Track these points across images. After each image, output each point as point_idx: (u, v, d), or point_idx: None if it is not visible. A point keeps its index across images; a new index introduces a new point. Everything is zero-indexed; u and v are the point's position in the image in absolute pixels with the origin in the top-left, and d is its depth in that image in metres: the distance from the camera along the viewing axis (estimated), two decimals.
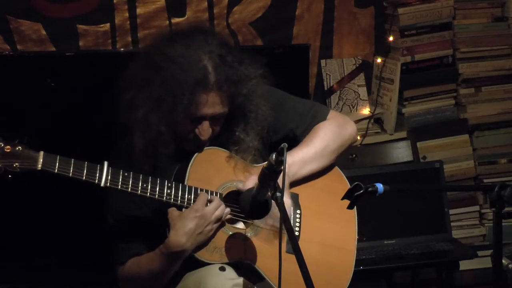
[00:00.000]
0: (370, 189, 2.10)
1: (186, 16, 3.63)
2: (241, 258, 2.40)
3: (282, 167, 2.09)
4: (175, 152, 2.40)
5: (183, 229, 2.27)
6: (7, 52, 3.39)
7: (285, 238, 2.39)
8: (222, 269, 2.31)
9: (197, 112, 2.33)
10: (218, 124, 2.42)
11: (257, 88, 2.42)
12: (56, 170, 2.17)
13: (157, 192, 2.31)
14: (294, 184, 2.52)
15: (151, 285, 2.41)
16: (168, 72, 2.30)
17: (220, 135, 2.46)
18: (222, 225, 2.38)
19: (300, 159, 2.51)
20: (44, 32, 3.46)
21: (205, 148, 2.43)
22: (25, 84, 3.18)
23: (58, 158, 2.18)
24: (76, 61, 3.33)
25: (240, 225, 2.46)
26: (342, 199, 2.13)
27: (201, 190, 2.36)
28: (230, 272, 2.32)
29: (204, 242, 2.32)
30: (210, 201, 2.34)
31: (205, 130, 2.38)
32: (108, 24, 3.54)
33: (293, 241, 2.10)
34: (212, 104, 2.34)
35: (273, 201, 2.19)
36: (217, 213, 2.33)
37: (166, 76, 2.30)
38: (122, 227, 2.43)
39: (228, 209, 2.37)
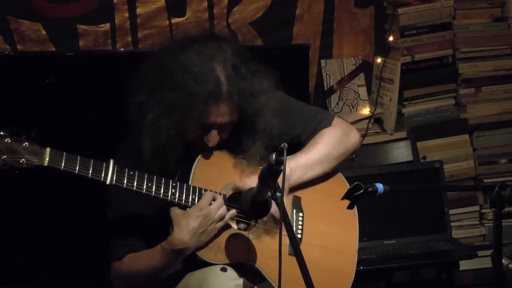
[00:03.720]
0: (370, 189, 2.10)
1: (186, 16, 3.63)
2: (244, 258, 2.40)
3: (282, 167, 2.09)
4: (184, 153, 2.41)
5: (187, 227, 2.27)
6: (7, 52, 3.39)
7: (288, 240, 2.40)
8: (223, 269, 2.32)
9: (207, 121, 2.35)
10: (226, 132, 2.43)
11: (269, 103, 2.42)
12: (62, 167, 2.17)
13: (162, 191, 2.31)
14: (296, 188, 2.53)
15: (147, 282, 2.40)
16: (180, 80, 2.30)
17: (227, 143, 2.47)
18: (227, 226, 2.38)
19: (303, 164, 2.52)
20: (44, 32, 3.46)
21: (209, 149, 2.44)
22: (25, 84, 3.18)
23: (64, 154, 2.18)
24: (76, 61, 3.33)
25: (244, 226, 2.46)
26: (342, 199, 2.13)
27: (205, 190, 2.37)
28: (231, 272, 2.33)
29: (207, 241, 2.33)
30: (213, 199, 2.35)
31: (213, 137, 2.39)
32: (108, 24, 3.54)
33: (294, 243, 2.10)
34: (222, 114, 2.35)
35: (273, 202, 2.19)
36: (220, 212, 2.33)
37: (178, 84, 2.30)
38: (121, 223, 2.43)
39: (233, 211, 2.38)
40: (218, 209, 2.33)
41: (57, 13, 3.47)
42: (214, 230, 2.33)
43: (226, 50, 2.37)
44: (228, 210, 2.38)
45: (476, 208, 3.91)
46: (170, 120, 2.31)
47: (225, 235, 2.38)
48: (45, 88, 3.19)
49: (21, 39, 3.44)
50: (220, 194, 2.40)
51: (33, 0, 3.43)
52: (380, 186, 2.11)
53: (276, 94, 2.50)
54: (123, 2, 3.54)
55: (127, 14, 3.56)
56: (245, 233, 2.43)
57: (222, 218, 2.34)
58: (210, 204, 2.33)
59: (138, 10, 3.57)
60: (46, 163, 2.14)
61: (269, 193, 2.18)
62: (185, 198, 2.34)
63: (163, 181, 2.32)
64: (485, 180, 3.91)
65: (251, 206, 2.25)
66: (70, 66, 3.28)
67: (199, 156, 2.41)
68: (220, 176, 2.44)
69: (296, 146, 2.59)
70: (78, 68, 3.26)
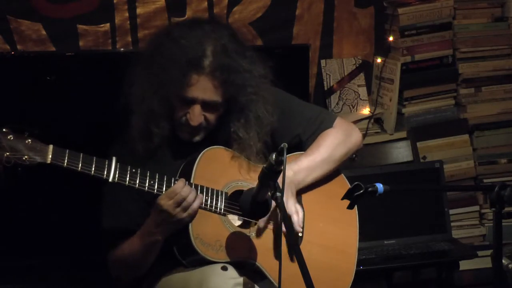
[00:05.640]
0: (370, 189, 2.11)
1: (186, 16, 3.62)
2: (245, 257, 2.41)
3: (282, 167, 2.10)
4: (177, 145, 2.42)
5: (154, 217, 2.32)
6: (7, 52, 3.39)
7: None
8: (224, 268, 2.32)
9: (187, 94, 2.35)
10: (211, 113, 2.41)
11: (253, 83, 2.42)
12: (65, 164, 2.17)
13: (164, 189, 2.31)
14: (298, 190, 2.53)
15: (134, 269, 2.44)
16: (166, 49, 2.34)
17: (218, 131, 2.47)
18: (226, 223, 2.39)
19: (306, 167, 2.53)
20: (44, 32, 3.46)
21: (211, 147, 2.45)
22: (25, 85, 3.18)
23: (67, 152, 2.19)
24: (76, 61, 3.33)
25: (245, 225, 2.47)
26: (342, 199, 2.14)
27: (207, 188, 2.38)
28: (232, 271, 2.34)
29: (177, 228, 2.32)
30: (176, 193, 2.31)
31: (195, 115, 2.38)
32: (108, 24, 3.54)
33: (293, 241, 2.10)
34: (203, 89, 2.34)
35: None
36: (184, 205, 2.30)
37: (164, 53, 2.34)
38: (116, 217, 2.45)
39: (198, 201, 2.32)
40: (177, 204, 2.28)
41: (57, 13, 3.47)
42: (182, 220, 2.30)
43: (221, 32, 2.39)
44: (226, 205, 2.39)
45: (476, 208, 3.91)
46: (152, 89, 2.33)
47: (226, 233, 2.39)
48: (45, 88, 3.19)
49: (21, 39, 3.45)
50: (222, 192, 2.41)
51: (33, 0, 3.43)
52: (380, 186, 2.12)
53: (276, 91, 2.51)
54: (123, 2, 3.54)
55: (127, 14, 3.56)
56: (246, 231, 2.44)
57: (186, 208, 2.30)
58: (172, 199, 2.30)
59: (138, 10, 3.57)
60: (49, 160, 2.15)
61: (269, 193, 2.18)
62: None
63: (165, 179, 2.33)
64: (485, 180, 3.90)
65: (251, 206, 2.25)
66: (70, 66, 3.28)
67: (202, 153, 2.42)
68: (222, 174, 2.45)
69: (297, 146, 2.59)
70: (78, 68, 3.26)
